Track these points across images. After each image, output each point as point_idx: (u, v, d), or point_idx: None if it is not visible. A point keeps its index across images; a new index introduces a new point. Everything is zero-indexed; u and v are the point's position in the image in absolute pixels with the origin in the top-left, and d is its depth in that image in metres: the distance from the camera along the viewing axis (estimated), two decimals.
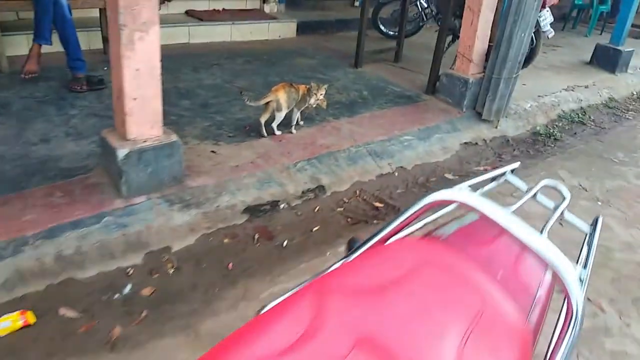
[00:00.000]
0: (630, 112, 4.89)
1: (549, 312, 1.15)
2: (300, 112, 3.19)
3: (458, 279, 0.93)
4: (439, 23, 4.75)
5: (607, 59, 5.59)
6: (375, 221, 2.63)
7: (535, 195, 1.25)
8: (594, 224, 1.28)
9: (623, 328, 2.11)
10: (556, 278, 0.90)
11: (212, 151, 2.79)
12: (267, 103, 2.98)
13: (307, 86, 3.14)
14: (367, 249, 1.06)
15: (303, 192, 2.73)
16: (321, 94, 3.16)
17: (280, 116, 3.02)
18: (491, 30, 3.80)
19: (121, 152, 2.15)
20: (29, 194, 2.22)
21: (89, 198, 2.23)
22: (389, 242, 1.07)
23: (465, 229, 1.27)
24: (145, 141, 2.23)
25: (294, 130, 3.15)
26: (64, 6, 3.23)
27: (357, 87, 4.12)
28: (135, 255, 2.13)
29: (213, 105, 3.41)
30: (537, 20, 4.41)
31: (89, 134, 2.76)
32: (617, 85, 5.33)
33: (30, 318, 1.76)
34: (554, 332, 0.98)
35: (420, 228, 1.20)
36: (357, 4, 6.70)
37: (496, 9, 3.74)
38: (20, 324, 1.74)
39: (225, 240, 2.33)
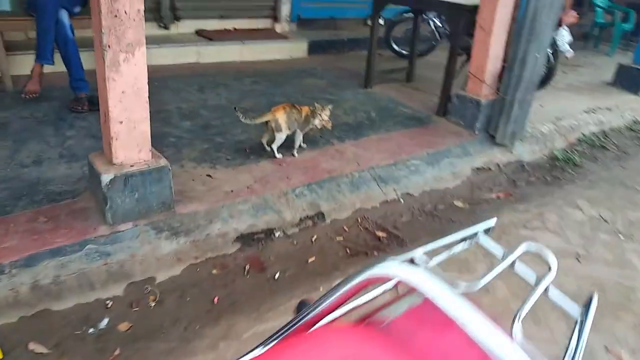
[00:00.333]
0: None
1: None
2: (304, 135, 3.10)
3: None
4: None
5: (630, 80, 5.36)
6: (375, 253, 2.48)
7: (513, 263, 0.99)
8: (587, 305, 0.96)
9: None
10: None
11: (208, 175, 2.69)
12: (267, 123, 2.89)
13: (311, 107, 3.04)
14: (287, 336, 0.86)
15: (301, 220, 2.60)
16: (326, 115, 3.05)
17: (280, 137, 2.91)
18: (505, 50, 3.65)
19: (106, 177, 2.06)
20: (12, 218, 2.14)
21: (73, 224, 2.13)
22: (315, 327, 0.87)
23: (418, 310, 0.94)
24: (132, 166, 2.14)
25: (296, 154, 3.04)
26: (66, 26, 3.21)
27: (365, 108, 3.99)
28: (116, 286, 2.02)
29: (214, 126, 3.33)
30: (555, 39, 4.26)
31: (82, 156, 2.69)
32: None
33: None
34: None
35: (364, 304, 0.94)
36: (380, 21, 6.62)
37: (510, 27, 3.60)
38: None
39: (214, 271, 2.21)
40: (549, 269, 0.96)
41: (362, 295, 0.91)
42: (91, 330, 1.83)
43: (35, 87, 3.25)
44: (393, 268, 0.79)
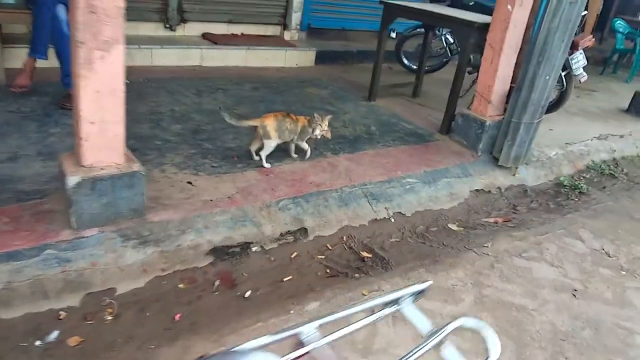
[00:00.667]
0: None
1: None
2: (296, 145, 3.01)
3: None
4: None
5: None
6: (357, 275, 2.33)
7: (441, 342, 0.80)
8: None
9: None
10: None
11: (189, 182, 2.57)
12: (256, 130, 2.79)
13: (308, 118, 2.94)
14: None
15: (281, 235, 2.46)
16: (325, 125, 2.97)
17: (269, 145, 2.80)
18: (514, 71, 3.50)
19: (72, 180, 1.95)
20: None
21: (35, 226, 2.03)
22: None
23: None
24: (102, 169, 2.03)
25: (294, 155, 3.02)
26: (63, 21, 3.13)
27: (365, 122, 3.86)
28: (72, 296, 1.90)
29: (205, 131, 3.22)
30: (569, 62, 4.09)
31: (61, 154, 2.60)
32: None
33: None
34: None
35: None
36: (392, 35, 6.50)
37: (521, 48, 3.45)
38: None
39: (181, 285, 2.08)
40: (488, 354, 0.75)
41: None
42: (38, 342, 1.72)
43: (25, 81, 3.18)
44: None
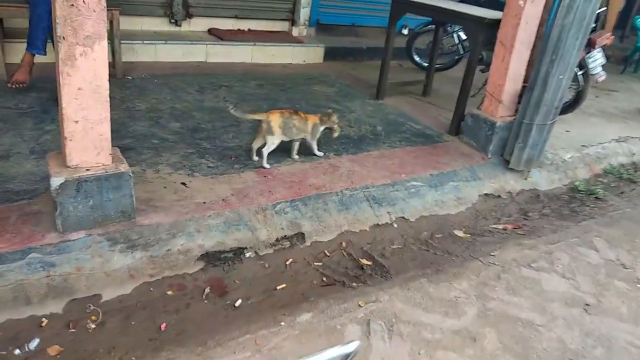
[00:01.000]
0: None
1: None
2: (308, 146, 2.97)
3: None
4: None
5: None
6: (354, 284, 2.22)
7: None
8: None
9: None
10: None
11: (183, 183, 2.49)
12: (260, 125, 2.70)
13: (319, 116, 2.93)
14: None
15: (277, 240, 2.37)
16: (333, 121, 2.96)
17: (272, 142, 2.71)
18: (526, 70, 3.35)
19: (56, 181, 1.88)
20: None
21: (20, 229, 1.96)
22: None
23: None
24: (88, 170, 1.95)
25: (295, 157, 2.95)
26: None
27: (371, 121, 3.74)
28: (55, 303, 1.83)
29: (204, 130, 3.14)
30: (587, 61, 3.91)
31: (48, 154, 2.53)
32: None
33: None
34: None
35: None
36: (404, 31, 6.36)
37: (534, 46, 3.29)
38: None
39: (169, 292, 2.00)
40: None
41: None
42: (17, 351, 1.65)
43: (23, 76, 3.13)
44: None
